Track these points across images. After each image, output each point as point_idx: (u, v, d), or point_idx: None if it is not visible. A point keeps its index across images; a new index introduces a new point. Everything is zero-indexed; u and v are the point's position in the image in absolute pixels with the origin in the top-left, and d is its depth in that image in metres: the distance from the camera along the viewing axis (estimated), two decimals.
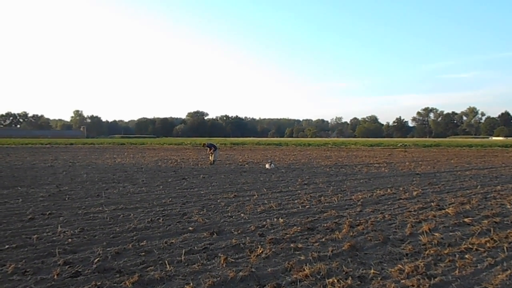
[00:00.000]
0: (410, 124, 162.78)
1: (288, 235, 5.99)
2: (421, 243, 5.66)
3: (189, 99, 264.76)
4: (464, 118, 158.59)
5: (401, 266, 4.77)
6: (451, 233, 6.17)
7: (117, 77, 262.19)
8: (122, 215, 7.36)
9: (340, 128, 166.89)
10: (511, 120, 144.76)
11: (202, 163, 19.49)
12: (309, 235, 6.07)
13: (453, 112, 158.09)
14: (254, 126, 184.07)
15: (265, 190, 10.55)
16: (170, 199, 9.08)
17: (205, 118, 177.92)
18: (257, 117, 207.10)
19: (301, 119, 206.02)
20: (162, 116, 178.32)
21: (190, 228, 6.43)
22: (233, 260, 4.99)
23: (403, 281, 4.39)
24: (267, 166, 17.18)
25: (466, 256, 5.15)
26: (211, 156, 18.94)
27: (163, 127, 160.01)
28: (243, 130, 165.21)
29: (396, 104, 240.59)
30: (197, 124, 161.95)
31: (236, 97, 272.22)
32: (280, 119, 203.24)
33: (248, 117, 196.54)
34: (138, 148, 41.12)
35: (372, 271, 4.63)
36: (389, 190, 10.41)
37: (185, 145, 48.16)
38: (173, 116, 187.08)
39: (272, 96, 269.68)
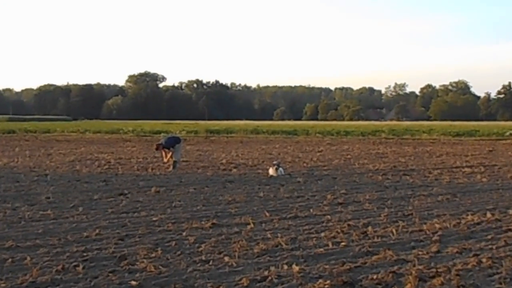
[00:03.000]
0: None
1: None
2: None
3: (131, 52, 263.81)
4: None
5: None
6: None
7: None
8: (10, 259, 7.34)
9: (402, 104, 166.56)
10: None
11: (155, 167, 19.42)
12: None
13: None
14: (248, 99, 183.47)
15: (267, 214, 10.56)
16: (98, 230, 9.07)
17: (160, 85, 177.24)
18: (253, 84, 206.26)
19: (332, 88, 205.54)
20: (82, 82, 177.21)
21: (133, 282, 6.44)
22: None
23: None
24: (271, 171, 17.19)
25: None
26: (170, 155, 18.87)
27: (85, 102, 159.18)
28: (229, 107, 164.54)
29: (502, 59, 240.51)
30: (146, 96, 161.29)
31: (215, 49, 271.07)
32: (295, 87, 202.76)
33: (237, 83, 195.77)
34: (40, 140, 40.87)
35: None
36: (489, 215, 10.44)
37: (125, 134, 47.98)
38: (102, 82, 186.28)
39: (279, 46, 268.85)
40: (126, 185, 14.83)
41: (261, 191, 13.63)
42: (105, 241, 8.43)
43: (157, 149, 19.64)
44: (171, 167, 18.59)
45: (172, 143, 19.10)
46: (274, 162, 18.17)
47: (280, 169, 17.28)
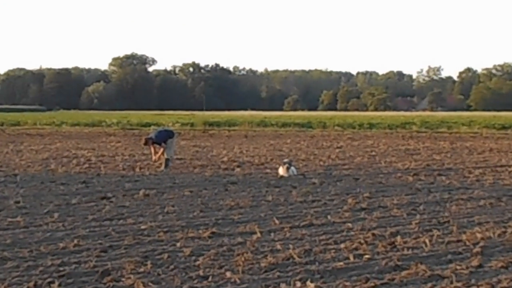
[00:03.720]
0: None
1: None
2: None
3: (115, 31, 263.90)
4: None
5: None
6: None
7: None
8: None
9: (436, 91, 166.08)
10: None
11: (144, 165, 19.43)
12: None
13: None
14: (254, 86, 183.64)
15: (276, 222, 10.56)
16: (76, 241, 9.06)
17: (150, 69, 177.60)
18: (260, 68, 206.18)
19: (353, 72, 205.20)
20: (58, 66, 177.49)
21: None
22: None
23: None
24: (281, 171, 17.22)
25: None
26: (162, 151, 18.86)
27: (61, 89, 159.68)
28: (231, 95, 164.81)
29: None
30: (133, 82, 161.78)
31: (214, 26, 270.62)
32: (310, 71, 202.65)
33: (241, 67, 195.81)
34: (8, 133, 40.97)
35: None
36: None
37: (108, 127, 47.98)
38: (81, 66, 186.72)
39: (291, 23, 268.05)
40: (110, 187, 14.83)
41: (270, 195, 13.61)
42: (85, 253, 8.40)
43: (146, 144, 19.60)
44: (163, 166, 18.62)
45: (163, 137, 19.07)
46: (285, 160, 18.18)
47: (292, 168, 17.28)
